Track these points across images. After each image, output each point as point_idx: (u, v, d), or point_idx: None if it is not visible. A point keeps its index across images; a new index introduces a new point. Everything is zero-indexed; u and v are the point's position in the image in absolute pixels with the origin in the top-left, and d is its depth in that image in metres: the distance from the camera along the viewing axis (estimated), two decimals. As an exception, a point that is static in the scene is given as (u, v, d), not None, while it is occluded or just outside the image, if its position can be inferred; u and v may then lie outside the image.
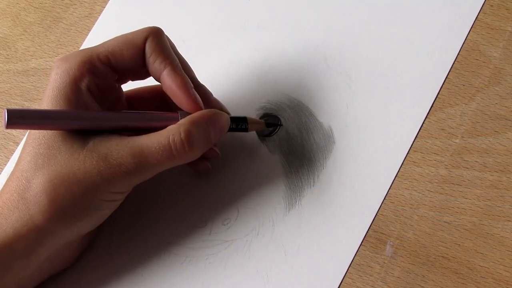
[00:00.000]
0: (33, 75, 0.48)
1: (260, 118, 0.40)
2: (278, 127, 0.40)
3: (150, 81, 0.38)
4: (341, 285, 0.35)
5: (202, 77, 0.41)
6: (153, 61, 0.35)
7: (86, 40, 0.47)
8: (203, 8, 0.45)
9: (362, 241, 0.36)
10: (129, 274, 0.38)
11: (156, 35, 0.35)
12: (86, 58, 0.34)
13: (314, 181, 0.38)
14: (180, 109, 0.36)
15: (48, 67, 0.47)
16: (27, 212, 0.33)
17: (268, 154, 0.39)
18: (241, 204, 0.38)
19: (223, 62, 0.43)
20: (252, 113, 0.41)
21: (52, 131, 0.33)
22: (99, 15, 0.48)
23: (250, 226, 0.38)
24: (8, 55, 0.49)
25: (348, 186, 0.37)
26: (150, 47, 0.35)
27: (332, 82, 0.40)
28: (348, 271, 0.35)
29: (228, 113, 0.38)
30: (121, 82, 0.38)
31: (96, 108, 0.35)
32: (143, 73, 0.37)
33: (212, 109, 0.36)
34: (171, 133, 0.33)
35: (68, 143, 0.33)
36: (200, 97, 0.36)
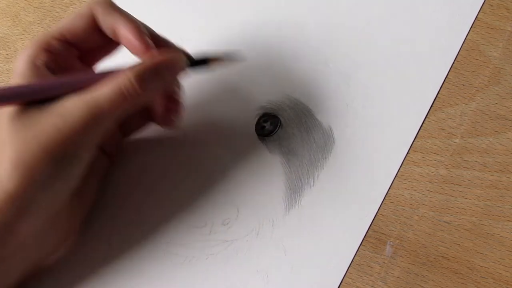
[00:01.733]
0: (32, 75, 0.48)
1: (260, 118, 0.40)
2: (278, 127, 0.40)
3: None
4: (341, 285, 0.35)
5: (201, 77, 0.41)
6: (104, 20, 0.36)
7: (86, 40, 0.47)
8: (203, 7, 0.45)
9: (362, 241, 0.36)
10: (129, 274, 0.38)
11: (103, 0, 0.36)
12: (40, 39, 0.35)
13: (314, 181, 0.38)
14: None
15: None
16: None
17: (268, 154, 0.39)
18: (241, 204, 0.38)
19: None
20: (252, 113, 0.40)
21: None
22: (99, 15, 0.47)
23: (250, 226, 0.38)
24: (7, 55, 0.49)
25: (348, 186, 0.37)
26: (98, 10, 0.36)
27: (332, 82, 0.40)
28: (348, 271, 0.35)
29: (189, 55, 0.38)
30: (88, 61, 0.38)
31: None
32: (106, 46, 0.37)
33: (162, 52, 0.36)
34: (120, 76, 0.34)
35: (28, 110, 0.33)
36: (159, 46, 0.36)
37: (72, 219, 0.38)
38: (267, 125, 0.40)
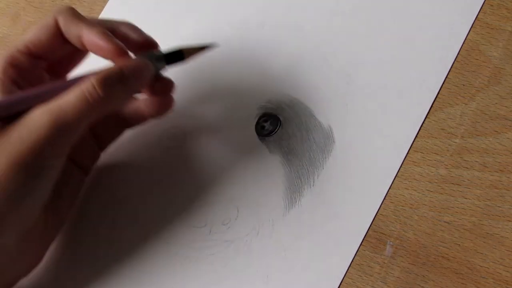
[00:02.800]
0: (32, 75, 0.48)
1: (260, 117, 0.40)
2: (278, 127, 0.40)
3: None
4: (341, 285, 0.35)
5: (201, 77, 0.41)
6: (69, 29, 0.35)
7: (86, 39, 0.47)
8: (203, 7, 0.45)
9: (362, 241, 0.36)
10: (129, 274, 0.38)
11: (65, 9, 0.36)
12: (6, 53, 0.35)
13: (314, 181, 0.38)
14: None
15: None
16: None
17: (268, 154, 0.39)
18: (241, 204, 0.38)
19: (223, 61, 0.43)
20: (252, 113, 0.40)
21: None
22: (99, 15, 0.47)
23: (250, 226, 0.38)
24: (7, 54, 0.49)
25: (348, 186, 0.37)
26: (62, 20, 0.35)
27: (332, 82, 0.40)
28: (348, 271, 0.35)
29: (156, 47, 0.38)
30: (57, 73, 0.38)
31: None
32: (72, 56, 0.37)
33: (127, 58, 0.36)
34: (84, 83, 0.33)
35: None
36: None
37: (46, 236, 0.37)
38: (267, 125, 0.40)
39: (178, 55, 0.37)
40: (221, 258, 0.37)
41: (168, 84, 0.38)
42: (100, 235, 0.40)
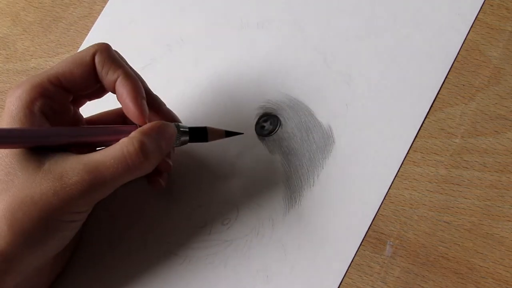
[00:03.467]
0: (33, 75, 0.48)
1: (260, 117, 0.40)
2: (278, 127, 0.40)
3: (112, 105, 0.37)
4: (341, 285, 0.35)
5: (201, 77, 0.41)
6: (106, 73, 0.35)
7: (86, 39, 0.47)
8: (203, 7, 0.45)
9: (362, 241, 0.36)
10: (129, 274, 0.38)
11: (104, 49, 0.35)
12: (37, 82, 0.34)
13: (314, 181, 0.38)
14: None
15: (48, 67, 0.47)
16: None
17: (268, 154, 0.39)
18: (241, 204, 0.38)
19: (223, 61, 0.43)
20: (252, 113, 0.40)
21: (8, 155, 0.33)
22: (99, 15, 0.47)
23: (250, 226, 0.38)
24: (7, 54, 0.49)
25: (348, 186, 0.37)
26: (100, 61, 0.35)
27: (332, 82, 0.40)
28: (348, 271, 0.35)
29: (179, 121, 0.39)
30: (78, 103, 0.38)
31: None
32: (98, 91, 0.37)
33: (160, 121, 0.36)
34: (125, 145, 0.33)
35: (24, 167, 0.33)
36: (153, 107, 0.37)
37: (56, 268, 0.38)
38: (267, 125, 0.40)
39: (202, 134, 0.37)
40: (221, 258, 0.37)
41: (166, 169, 0.38)
42: (100, 235, 0.40)
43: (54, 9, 0.49)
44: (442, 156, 0.36)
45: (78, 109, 0.38)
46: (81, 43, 0.47)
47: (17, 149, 0.33)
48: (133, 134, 0.34)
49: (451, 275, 0.34)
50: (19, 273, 0.34)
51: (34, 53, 0.48)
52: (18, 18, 0.50)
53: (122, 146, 0.33)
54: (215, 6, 0.45)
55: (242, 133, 0.39)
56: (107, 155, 0.33)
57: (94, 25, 0.47)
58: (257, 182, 0.39)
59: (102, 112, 0.40)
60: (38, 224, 0.32)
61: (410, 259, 0.35)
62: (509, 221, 0.34)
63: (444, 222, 0.35)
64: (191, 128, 0.37)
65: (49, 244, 0.34)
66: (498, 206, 0.35)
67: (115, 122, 0.39)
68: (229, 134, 0.38)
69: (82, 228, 0.38)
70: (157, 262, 0.38)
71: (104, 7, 0.48)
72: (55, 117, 0.35)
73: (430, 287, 0.34)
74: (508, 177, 0.35)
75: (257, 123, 0.40)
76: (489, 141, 0.36)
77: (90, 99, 0.38)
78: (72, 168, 0.32)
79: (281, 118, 0.40)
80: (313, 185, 0.38)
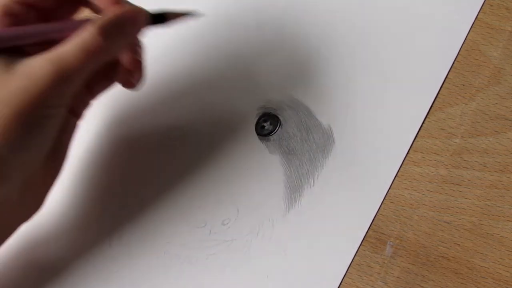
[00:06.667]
0: (32, 75, 0.48)
1: (260, 118, 0.40)
2: (278, 127, 0.40)
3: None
4: (341, 285, 0.35)
5: (201, 77, 0.41)
6: None
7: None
8: (202, 7, 0.45)
9: (362, 241, 0.36)
10: (129, 274, 0.38)
11: None
12: (1, 1, 0.35)
13: (314, 181, 0.38)
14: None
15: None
16: None
17: (268, 154, 0.39)
18: (241, 204, 0.38)
19: (222, 61, 0.43)
20: (252, 113, 0.40)
21: None
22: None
23: (250, 226, 0.38)
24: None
25: (348, 186, 0.37)
26: None
27: (332, 82, 0.40)
28: (348, 271, 0.35)
29: (147, 11, 0.38)
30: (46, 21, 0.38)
31: None
32: (65, 5, 0.37)
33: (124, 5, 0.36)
34: (84, 32, 0.33)
35: None
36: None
37: (46, 182, 0.37)
38: (267, 125, 0.40)
39: (161, 18, 0.37)
40: (221, 258, 0.37)
41: (139, 66, 0.38)
42: (100, 235, 0.40)
43: (53, 9, 0.49)
44: (442, 156, 0.36)
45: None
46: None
47: None
48: (93, 20, 0.34)
49: (451, 275, 0.34)
50: (7, 181, 0.33)
51: (34, 53, 0.48)
52: (17, 18, 0.50)
53: (82, 33, 0.33)
54: (215, 6, 0.45)
55: (202, 15, 0.38)
56: (67, 44, 0.33)
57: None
58: (258, 182, 0.39)
59: None
60: (14, 124, 0.32)
61: (410, 259, 0.35)
62: (509, 221, 0.34)
63: (444, 222, 0.35)
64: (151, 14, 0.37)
65: (31, 144, 0.34)
66: (498, 206, 0.35)
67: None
68: (186, 14, 0.38)
69: (68, 144, 0.38)
70: (156, 262, 0.38)
71: (104, 7, 0.48)
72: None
73: (430, 287, 0.34)
74: (508, 177, 0.35)
75: (257, 123, 0.40)
76: (489, 141, 0.36)
77: (60, 17, 0.38)
78: (38, 64, 0.33)
79: (281, 118, 0.40)
80: (313, 185, 0.38)
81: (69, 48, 0.33)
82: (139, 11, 0.36)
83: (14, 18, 0.35)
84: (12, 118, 0.32)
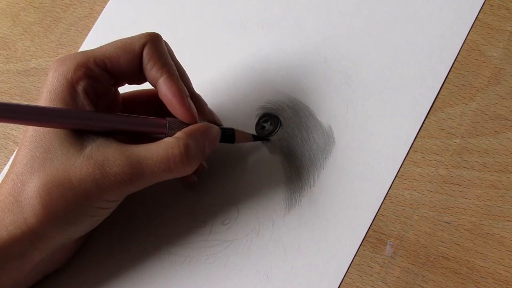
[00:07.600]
0: (33, 75, 0.48)
1: (260, 118, 0.40)
2: (278, 127, 0.40)
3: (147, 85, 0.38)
4: (341, 285, 0.35)
5: (201, 77, 0.41)
6: (150, 68, 0.35)
7: (86, 40, 0.47)
8: (203, 7, 0.45)
9: (362, 241, 0.36)
10: (129, 273, 0.38)
11: (154, 41, 0.35)
12: (82, 62, 0.34)
13: (314, 181, 0.38)
14: (169, 116, 0.36)
15: (48, 67, 0.47)
16: (21, 215, 0.32)
17: (268, 154, 0.39)
18: (241, 204, 0.38)
19: (223, 62, 0.43)
20: (252, 113, 0.41)
21: (50, 133, 0.33)
22: (99, 15, 0.48)
23: (250, 226, 0.38)
24: (8, 55, 0.49)
25: (348, 186, 0.37)
26: (148, 54, 0.35)
27: (332, 82, 0.40)
28: (348, 271, 0.35)
29: (220, 124, 0.39)
30: (118, 85, 0.38)
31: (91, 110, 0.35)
32: (140, 78, 0.37)
33: (206, 122, 0.36)
34: (170, 146, 0.33)
35: (65, 148, 0.33)
36: (195, 107, 0.36)
37: (78, 241, 0.38)
38: (267, 125, 0.40)
39: (230, 136, 0.38)
40: (221, 258, 0.37)
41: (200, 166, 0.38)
42: (100, 235, 0.40)
43: (54, 9, 0.49)
44: (442, 156, 0.36)
45: (118, 89, 0.38)
46: (82, 43, 0.47)
47: (58, 129, 0.33)
48: (179, 134, 0.34)
49: (451, 275, 0.34)
50: (46, 249, 0.34)
51: (35, 53, 0.48)
52: (18, 19, 0.50)
53: (168, 146, 0.33)
54: (215, 6, 0.45)
55: (269, 139, 0.39)
56: (151, 152, 0.33)
57: (95, 25, 0.47)
58: (258, 182, 0.39)
59: (136, 91, 0.39)
60: (72, 208, 0.32)
61: (410, 259, 0.35)
62: (509, 221, 0.34)
63: (444, 222, 0.35)
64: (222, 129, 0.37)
65: (78, 227, 0.34)
66: (498, 206, 0.35)
67: (149, 102, 0.39)
68: (256, 138, 0.39)
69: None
70: (157, 262, 0.38)
71: (104, 7, 0.48)
72: (96, 97, 0.35)
73: (430, 287, 0.34)
74: (508, 177, 0.35)
75: (258, 123, 0.40)
76: (489, 141, 0.36)
77: (130, 84, 0.38)
78: (114, 157, 0.32)
79: (281, 118, 0.40)
80: (313, 185, 0.38)
81: (152, 158, 0.33)
82: (216, 131, 0.36)
83: (92, 81, 0.34)
84: (72, 203, 0.32)
